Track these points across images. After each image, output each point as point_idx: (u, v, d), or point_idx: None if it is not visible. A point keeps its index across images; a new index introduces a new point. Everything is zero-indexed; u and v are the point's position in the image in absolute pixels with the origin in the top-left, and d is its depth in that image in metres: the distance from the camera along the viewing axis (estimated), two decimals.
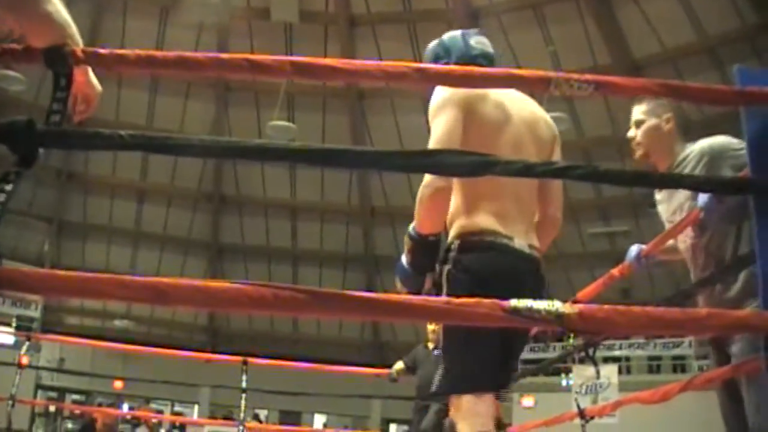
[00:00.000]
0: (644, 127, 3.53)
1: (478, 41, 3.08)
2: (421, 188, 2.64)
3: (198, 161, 21.61)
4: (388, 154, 1.90)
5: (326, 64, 2.16)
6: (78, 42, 2.07)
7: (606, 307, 1.85)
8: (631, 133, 3.56)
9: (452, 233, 2.77)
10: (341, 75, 2.31)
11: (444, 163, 1.99)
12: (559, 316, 1.78)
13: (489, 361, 2.65)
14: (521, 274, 2.69)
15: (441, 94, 2.74)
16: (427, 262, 2.72)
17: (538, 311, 1.78)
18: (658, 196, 3.67)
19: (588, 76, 2.06)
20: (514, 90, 2.94)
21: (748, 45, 16.56)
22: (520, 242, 2.72)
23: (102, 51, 2.13)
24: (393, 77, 2.13)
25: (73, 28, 2.07)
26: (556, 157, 2.96)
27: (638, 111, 3.54)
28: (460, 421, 2.63)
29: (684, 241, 3.44)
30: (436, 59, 3.08)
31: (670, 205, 3.56)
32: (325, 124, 20.92)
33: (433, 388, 2.75)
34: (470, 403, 2.62)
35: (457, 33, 3.13)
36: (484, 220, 2.71)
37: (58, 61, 2.01)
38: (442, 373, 2.73)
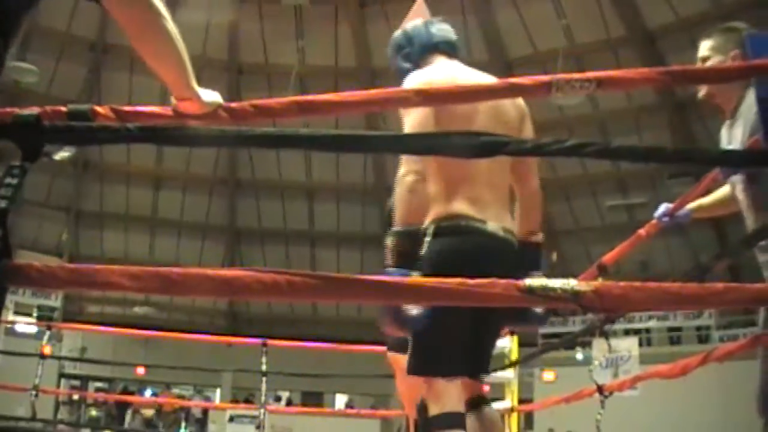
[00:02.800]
0: (709, 64, 3.25)
1: (440, 29, 3.16)
2: (397, 184, 2.71)
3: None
4: (401, 137, 1.90)
5: (329, 100, 2.18)
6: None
7: (622, 283, 1.84)
8: None
9: (428, 220, 2.81)
10: (346, 108, 2.33)
11: (456, 144, 1.98)
12: (575, 294, 1.77)
13: (457, 344, 2.71)
14: (493, 255, 2.74)
15: (410, 87, 2.75)
16: (414, 256, 2.70)
17: (554, 290, 1.76)
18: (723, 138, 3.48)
19: (590, 74, 2.05)
20: (481, 75, 3.00)
21: (765, 11, 16.38)
22: (493, 225, 2.78)
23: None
24: (396, 102, 2.14)
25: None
26: (527, 134, 3.00)
27: (704, 47, 3.31)
28: (430, 403, 2.69)
29: (741, 190, 3.29)
30: (399, 49, 3.18)
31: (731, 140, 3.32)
32: None
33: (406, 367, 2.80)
34: (440, 385, 2.68)
35: (419, 21, 3.21)
36: (458, 205, 2.77)
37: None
38: (410, 354, 2.79)
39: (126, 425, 18.68)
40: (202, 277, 1.65)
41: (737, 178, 3.21)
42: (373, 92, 2.15)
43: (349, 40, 20.49)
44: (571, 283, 1.79)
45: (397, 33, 3.19)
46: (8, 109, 2.12)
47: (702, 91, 3.37)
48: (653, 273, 17.74)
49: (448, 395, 2.67)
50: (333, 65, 20.95)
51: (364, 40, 20.31)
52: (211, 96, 2.15)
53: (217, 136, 1.96)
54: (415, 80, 2.84)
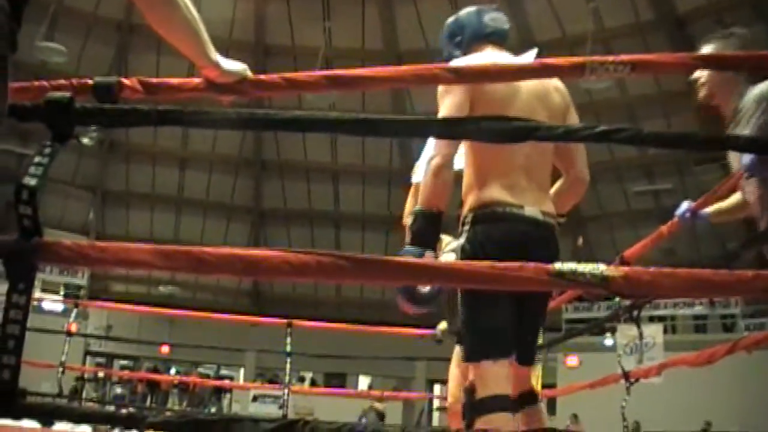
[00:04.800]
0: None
1: (493, 18, 3.13)
2: (425, 167, 2.71)
3: None
4: (430, 122, 1.89)
5: (359, 74, 2.16)
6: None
7: (652, 269, 1.82)
8: (697, 73, 3.40)
9: (465, 208, 2.83)
10: (376, 83, 2.31)
11: (485, 129, 1.97)
12: (603, 279, 1.76)
13: (503, 327, 2.71)
14: (533, 240, 2.73)
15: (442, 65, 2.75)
16: (432, 237, 2.70)
17: (583, 274, 1.76)
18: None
19: (624, 57, 2.03)
20: (523, 59, 2.98)
21: None
22: (530, 209, 2.77)
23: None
24: (429, 80, 2.12)
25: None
26: (572, 122, 2.97)
27: (705, 51, 3.32)
28: (478, 385, 2.70)
29: (751, 192, 3.31)
30: (451, 36, 3.15)
31: (736, 155, 3.35)
32: (365, 92, 20.88)
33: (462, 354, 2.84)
34: (487, 367, 2.68)
35: (473, 9, 3.17)
36: (495, 192, 2.76)
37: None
38: (465, 341, 2.84)
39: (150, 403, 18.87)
40: (232, 257, 1.66)
41: (750, 181, 3.20)
42: (403, 68, 2.13)
43: (377, 23, 20.41)
44: (600, 268, 1.78)
45: (450, 20, 3.17)
46: (37, 83, 2.13)
47: (702, 91, 3.40)
48: (679, 260, 17.62)
49: (496, 378, 2.67)
50: (360, 47, 20.88)
51: (392, 23, 20.24)
52: (234, 65, 2.15)
53: (247, 119, 1.96)
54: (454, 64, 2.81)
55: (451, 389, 4.39)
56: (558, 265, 1.76)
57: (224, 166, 23.41)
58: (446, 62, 3.04)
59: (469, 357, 2.78)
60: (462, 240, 2.78)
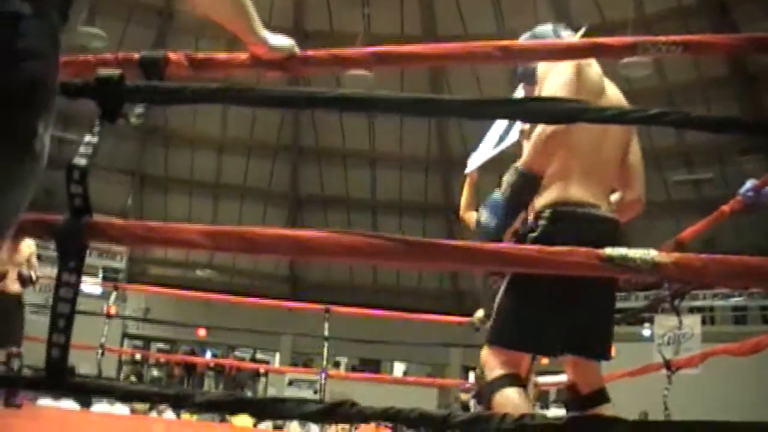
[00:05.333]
0: None
1: (569, 35, 3.17)
2: (539, 131, 2.73)
3: (276, 113, 21.73)
4: (481, 103, 1.87)
5: (406, 51, 2.15)
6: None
7: (703, 256, 1.80)
8: None
9: (543, 201, 2.84)
10: (424, 60, 2.30)
11: (533, 110, 1.95)
12: (654, 265, 1.74)
13: (540, 323, 2.71)
14: (603, 237, 2.68)
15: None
16: (525, 201, 2.82)
17: (633, 260, 1.74)
18: None
19: (675, 38, 2.01)
20: (611, 84, 3.11)
21: None
22: (605, 209, 2.85)
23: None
24: (478, 58, 2.11)
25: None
26: (635, 137, 3.07)
27: None
28: (486, 369, 2.74)
29: None
30: None
31: None
32: (403, 72, 20.83)
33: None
34: (503, 356, 2.72)
35: (548, 27, 3.22)
36: (577, 191, 2.80)
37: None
38: (492, 324, 2.87)
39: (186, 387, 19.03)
40: (280, 238, 1.66)
41: None
42: (452, 45, 2.11)
43: (416, 8, 20.33)
44: (650, 254, 1.76)
45: (525, 35, 3.18)
46: (83, 57, 2.13)
47: None
48: (719, 251, 17.40)
49: (513, 365, 2.69)
50: (398, 33, 20.81)
51: (430, 9, 20.16)
52: (282, 41, 2.14)
53: (306, 97, 1.95)
54: (564, 67, 2.84)
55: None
56: (609, 250, 1.75)
57: (262, 151, 23.48)
58: (523, 78, 3.09)
59: (495, 341, 2.79)
60: (535, 234, 2.77)
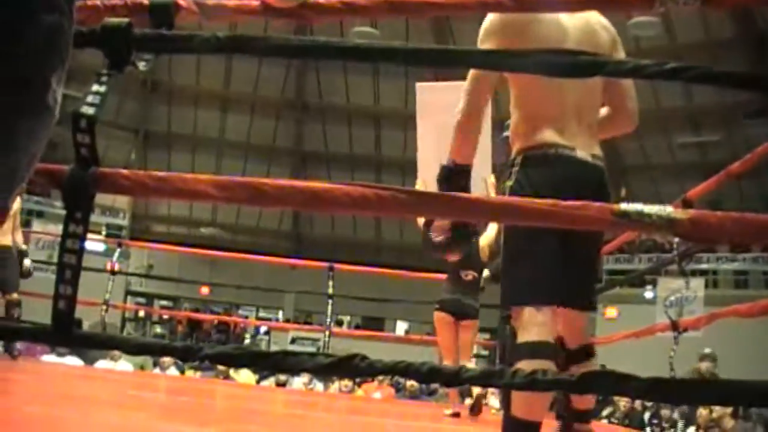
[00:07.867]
0: None
1: None
2: (455, 117, 2.66)
3: (281, 69, 21.59)
4: (492, 53, 1.84)
5: (422, 0, 2.11)
6: None
7: (719, 213, 1.77)
8: None
9: (514, 150, 2.76)
10: (436, 9, 2.25)
11: (549, 63, 1.92)
12: (670, 221, 1.71)
13: (548, 272, 2.65)
14: (585, 183, 2.65)
15: (488, 22, 2.69)
16: (460, 190, 2.69)
17: (649, 216, 1.71)
18: None
19: None
20: None
21: None
22: (582, 152, 2.70)
23: None
24: (491, 7, 2.06)
25: None
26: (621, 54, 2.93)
27: None
28: (519, 331, 2.66)
29: None
30: None
31: None
32: (408, 30, 20.66)
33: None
34: (529, 314, 2.63)
35: None
36: (546, 134, 2.68)
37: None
38: (502, 285, 2.79)
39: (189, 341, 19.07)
40: (291, 189, 1.63)
41: None
42: None
43: None
44: (667, 210, 1.73)
45: None
46: (91, 3, 2.09)
47: None
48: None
49: (536, 324, 2.64)
50: None
51: None
52: None
53: (321, 47, 1.91)
54: (495, 18, 2.70)
55: None
56: (624, 205, 1.72)
57: (266, 108, 23.39)
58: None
59: (511, 301, 2.76)
60: (510, 182, 2.70)
